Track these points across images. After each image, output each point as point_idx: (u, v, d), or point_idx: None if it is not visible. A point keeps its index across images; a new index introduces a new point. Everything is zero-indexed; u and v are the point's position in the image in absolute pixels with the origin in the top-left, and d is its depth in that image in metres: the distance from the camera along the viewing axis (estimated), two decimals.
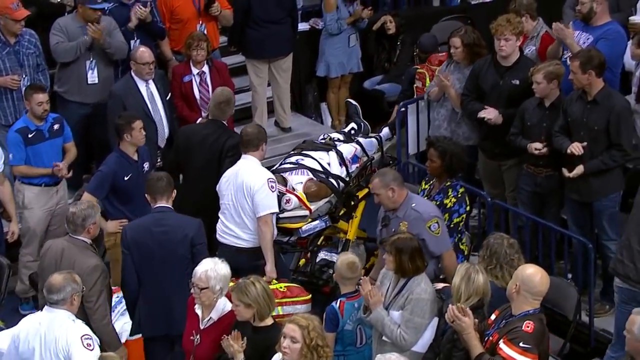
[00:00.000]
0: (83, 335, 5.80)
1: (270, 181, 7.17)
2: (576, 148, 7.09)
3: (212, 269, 6.03)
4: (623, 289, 6.45)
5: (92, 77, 8.54)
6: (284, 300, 7.00)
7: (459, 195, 6.95)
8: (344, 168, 7.94)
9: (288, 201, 7.50)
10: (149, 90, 8.20)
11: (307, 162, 7.83)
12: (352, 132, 8.39)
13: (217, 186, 7.31)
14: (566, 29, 7.77)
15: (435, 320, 6.00)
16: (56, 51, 8.46)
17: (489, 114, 7.76)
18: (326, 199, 7.72)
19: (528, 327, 5.33)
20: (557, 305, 6.81)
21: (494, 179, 8.14)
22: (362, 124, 8.47)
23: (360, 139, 8.22)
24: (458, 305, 5.50)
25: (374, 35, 10.44)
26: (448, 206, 6.91)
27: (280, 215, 7.34)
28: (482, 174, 8.31)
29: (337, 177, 7.82)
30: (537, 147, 7.39)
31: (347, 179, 7.91)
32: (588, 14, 7.89)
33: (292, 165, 7.81)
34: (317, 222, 7.64)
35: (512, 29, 7.67)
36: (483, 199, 7.99)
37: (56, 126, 7.83)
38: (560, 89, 7.48)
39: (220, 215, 7.32)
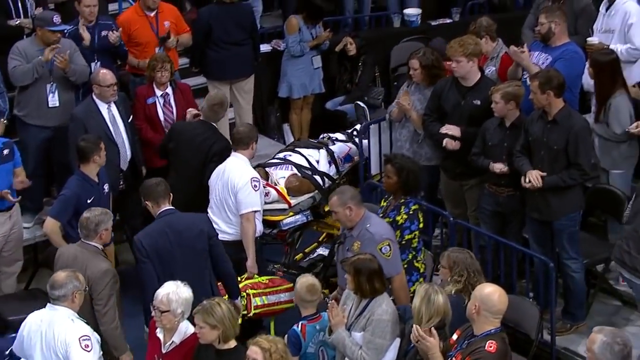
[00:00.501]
0: (81, 336, 5.85)
1: (254, 180, 7.40)
2: (534, 178, 7.12)
3: (173, 292, 5.99)
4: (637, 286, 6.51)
5: (53, 100, 8.42)
6: (267, 290, 7.22)
7: (411, 212, 6.97)
8: (333, 166, 8.27)
9: (267, 194, 7.75)
10: (110, 112, 8.10)
11: (294, 158, 8.25)
12: (354, 133, 8.59)
13: (209, 181, 7.57)
14: (521, 52, 7.82)
15: (397, 341, 5.98)
16: (14, 75, 8.32)
17: (451, 130, 7.75)
18: (309, 195, 8.00)
19: (491, 347, 5.32)
20: (519, 324, 6.81)
21: (456, 198, 8.12)
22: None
23: (360, 140, 8.42)
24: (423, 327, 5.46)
25: (335, 57, 10.43)
26: (399, 223, 6.94)
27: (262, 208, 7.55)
28: (444, 194, 8.30)
29: (323, 174, 8.11)
30: (499, 167, 7.40)
31: (336, 177, 8.14)
32: (546, 34, 7.92)
33: (278, 161, 8.17)
34: (298, 216, 7.96)
35: (463, 50, 7.67)
36: (445, 218, 7.98)
37: (6, 151, 7.62)
38: (521, 109, 7.49)
39: (208, 209, 7.55)
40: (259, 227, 7.49)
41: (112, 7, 10.16)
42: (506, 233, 7.63)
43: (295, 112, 10.32)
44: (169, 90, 8.49)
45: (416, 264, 7.03)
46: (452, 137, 7.75)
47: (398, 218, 6.95)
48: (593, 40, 8.42)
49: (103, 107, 8.05)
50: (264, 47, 10.22)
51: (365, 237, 6.58)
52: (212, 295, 6.45)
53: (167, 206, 6.80)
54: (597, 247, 7.68)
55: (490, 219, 7.69)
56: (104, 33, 8.75)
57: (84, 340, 5.82)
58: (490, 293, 5.40)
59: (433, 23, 11.05)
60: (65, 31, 8.50)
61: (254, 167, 7.76)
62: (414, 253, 6.99)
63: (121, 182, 8.16)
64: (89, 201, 7.21)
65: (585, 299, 7.49)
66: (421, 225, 7.04)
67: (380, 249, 6.51)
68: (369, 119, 8.71)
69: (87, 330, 5.92)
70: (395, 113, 8.28)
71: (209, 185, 7.58)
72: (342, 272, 6.53)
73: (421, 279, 7.02)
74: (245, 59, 9.53)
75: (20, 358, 6.20)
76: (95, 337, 5.95)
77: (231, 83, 9.55)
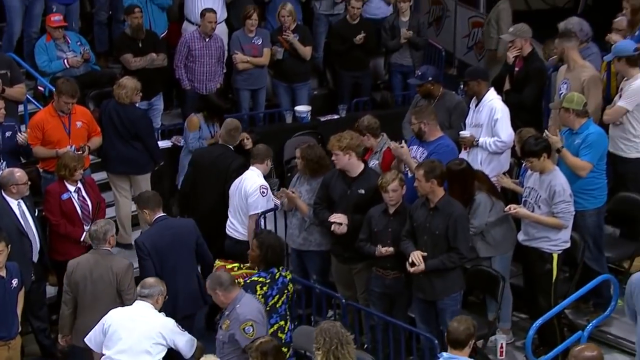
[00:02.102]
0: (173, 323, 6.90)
1: (263, 187, 8.38)
2: (416, 258, 7.31)
3: None
4: None
5: None
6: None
7: (248, 282, 7.15)
8: None
9: None
10: (20, 208, 8.01)
11: None
12: None
13: (229, 190, 8.52)
14: (400, 148, 8.11)
15: None
16: None
17: (338, 218, 7.88)
18: None
19: None
20: None
21: (346, 281, 8.23)
22: None
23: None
24: None
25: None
26: (258, 293, 7.10)
27: None
28: (336, 277, 8.40)
29: None
30: (383, 249, 7.55)
31: None
32: (418, 133, 8.30)
33: None
34: None
35: (339, 145, 7.90)
36: (338, 300, 8.07)
37: None
38: (403, 197, 7.69)
39: (229, 213, 8.57)
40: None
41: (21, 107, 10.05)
42: (394, 313, 7.75)
43: None
44: (80, 185, 8.44)
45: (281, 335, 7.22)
46: (339, 223, 7.88)
47: (258, 287, 7.14)
48: (465, 133, 8.71)
49: (13, 204, 7.97)
50: (165, 143, 10.24)
51: (233, 316, 6.76)
52: (198, 283, 7.75)
53: (160, 213, 7.84)
54: (477, 324, 7.78)
55: (378, 300, 7.81)
56: (7, 134, 8.68)
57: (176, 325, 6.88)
58: None
59: (322, 119, 11.23)
60: None
61: None
62: (281, 316, 7.20)
63: (32, 275, 8.02)
64: None
65: None
66: (286, 291, 7.21)
67: (244, 329, 6.66)
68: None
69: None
70: (286, 204, 8.39)
71: (229, 194, 8.53)
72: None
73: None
74: (130, 158, 9.47)
75: None
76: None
77: (129, 177, 9.53)
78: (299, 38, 11.19)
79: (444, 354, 6.22)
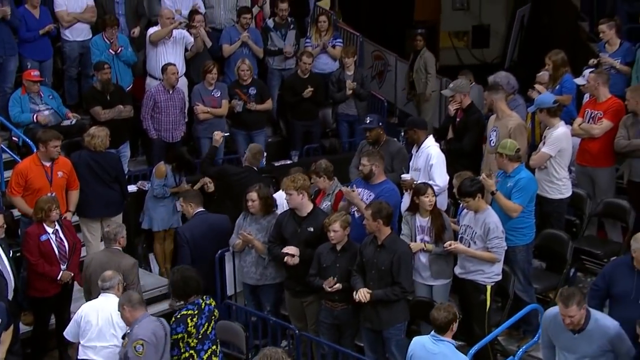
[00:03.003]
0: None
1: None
2: (362, 295, 7.36)
3: None
4: None
5: None
6: None
7: (179, 317, 7.04)
8: None
9: None
10: None
11: None
12: None
13: None
14: (352, 192, 8.19)
15: None
16: None
17: (290, 250, 7.93)
18: None
19: None
20: None
21: (298, 313, 8.23)
22: None
23: None
24: None
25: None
26: (190, 325, 7.00)
27: None
28: (289, 309, 8.40)
29: None
30: (329, 283, 7.58)
31: None
32: (368, 174, 8.32)
33: None
34: None
35: (294, 185, 7.95)
36: (291, 331, 8.05)
37: None
38: (348, 235, 7.70)
39: None
40: None
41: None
42: (342, 342, 7.75)
43: (159, 242, 10.20)
44: (58, 226, 8.33)
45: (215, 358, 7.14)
46: (291, 255, 7.90)
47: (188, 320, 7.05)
48: (406, 176, 8.77)
49: None
50: (131, 188, 10.15)
51: (132, 335, 6.79)
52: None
53: (201, 208, 8.70)
54: None
55: (328, 330, 7.81)
56: None
57: None
58: None
59: (276, 164, 11.25)
60: None
61: None
62: (183, 349, 7.01)
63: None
64: None
65: None
66: (189, 329, 6.99)
67: (135, 347, 6.67)
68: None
69: None
70: (239, 245, 8.41)
71: None
72: None
73: None
74: (111, 200, 9.41)
75: None
76: None
77: (102, 219, 9.42)
78: (257, 92, 11.29)
79: (432, 333, 6.58)
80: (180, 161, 10.01)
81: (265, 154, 10.62)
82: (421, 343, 6.60)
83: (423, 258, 7.86)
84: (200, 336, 7.03)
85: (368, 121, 9.22)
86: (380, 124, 9.22)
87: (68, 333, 7.34)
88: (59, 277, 8.20)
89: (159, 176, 9.85)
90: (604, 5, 12.78)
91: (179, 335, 6.94)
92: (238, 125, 11.43)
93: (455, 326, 6.56)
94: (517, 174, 8.06)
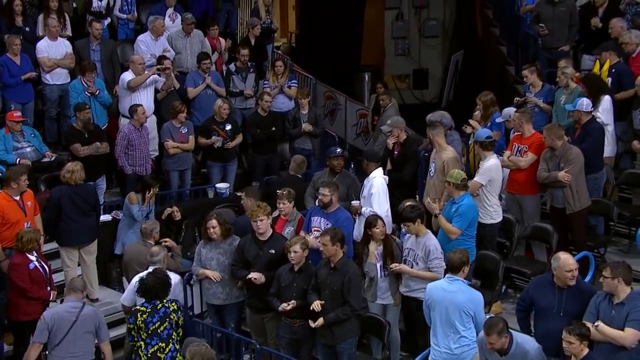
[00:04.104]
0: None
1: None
2: (316, 306, 7.38)
3: None
4: None
5: None
6: None
7: (133, 311, 7.36)
8: None
9: None
10: None
11: None
12: None
13: None
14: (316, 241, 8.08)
15: None
16: None
17: (255, 275, 7.89)
18: None
19: None
20: None
21: (259, 329, 8.18)
22: None
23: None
24: None
25: (163, 222, 10.25)
26: (139, 319, 7.28)
27: None
28: (250, 325, 8.34)
29: None
30: (283, 306, 7.56)
31: None
32: (328, 203, 8.33)
33: None
34: None
35: (263, 211, 7.90)
36: (253, 345, 7.96)
37: None
38: (307, 257, 7.68)
39: None
40: None
41: None
42: (300, 355, 7.71)
43: None
44: (34, 254, 8.19)
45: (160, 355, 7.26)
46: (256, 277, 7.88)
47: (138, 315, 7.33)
48: (354, 203, 8.86)
49: None
50: (106, 217, 10.03)
51: None
52: None
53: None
54: None
55: (287, 344, 7.76)
56: None
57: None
58: None
59: (238, 194, 11.15)
60: None
61: None
62: (139, 342, 7.26)
63: None
64: None
65: None
66: (139, 323, 7.24)
67: None
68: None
69: None
70: (203, 274, 8.32)
71: None
72: None
73: None
74: (90, 227, 9.31)
75: None
76: None
77: (79, 247, 9.28)
78: (232, 127, 11.36)
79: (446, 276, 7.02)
80: (144, 185, 9.81)
81: (307, 163, 10.96)
82: (437, 286, 7.06)
83: (382, 282, 7.89)
84: (149, 332, 7.20)
85: (338, 151, 9.31)
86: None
87: (125, 299, 7.97)
88: (51, 299, 8.11)
89: (132, 202, 9.71)
90: (526, 52, 13.03)
91: (131, 326, 7.29)
92: (215, 159, 11.40)
93: (466, 269, 7.00)
94: (461, 201, 8.12)
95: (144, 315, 7.22)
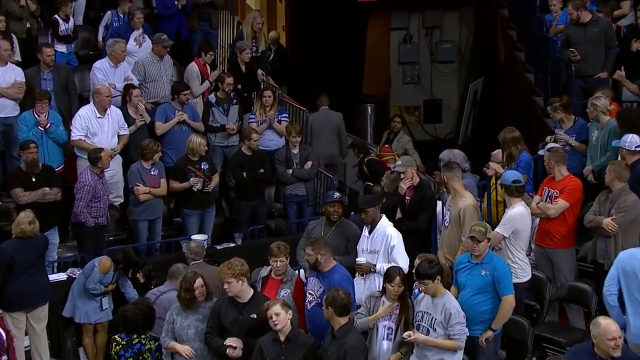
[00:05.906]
0: None
1: None
2: None
3: None
4: None
5: None
6: None
7: (111, 338, 7.91)
8: None
9: None
10: None
11: None
12: None
13: None
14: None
15: None
16: None
17: (233, 342, 7.77)
18: None
19: None
20: None
21: None
22: None
23: None
24: None
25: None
26: (113, 350, 7.99)
27: None
28: None
29: None
30: None
31: None
32: (315, 264, 8.27)
33: None
34: None
35: (231, 272, 7.84)
36: None
37: None
38: (292, 323, 7.62)
39: None
40: None
41: None
42: None
43: (88, 336, 9.72)
44: None
45: None
46: (233, 348, 7.76)
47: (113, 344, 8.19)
48: (361, 260, 8.74)
49: None
50: (60, 276, 9.88)
51: None
52: None
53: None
54: None
55: None
56: None
57: None
58: None
59: (218, 247, 11.10)
60: None
61: None
62: None
63: None
64: None
65: None
66: (112, 353, 8.02)
67: None
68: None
69: None
70: (173, 348, 8.11)
71: None
72: None
73: None
74: (43, 285, 9.19)
75: None
76: None
77: (27, 312, 9.12)
78: (209, 167, 11.23)
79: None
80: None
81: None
82: (633, 254, 7.69)
83: (385, 345, 7.80)
84: None
85: (335, 196, 9.30)
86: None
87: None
88: None
89: (102, 271, 9.50)
90: (557, 80, 12.93)
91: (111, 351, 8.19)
92: (193, 205, 11.20)
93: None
94: (489, 261, 7.96)
95: (118, 347, 7.71)
